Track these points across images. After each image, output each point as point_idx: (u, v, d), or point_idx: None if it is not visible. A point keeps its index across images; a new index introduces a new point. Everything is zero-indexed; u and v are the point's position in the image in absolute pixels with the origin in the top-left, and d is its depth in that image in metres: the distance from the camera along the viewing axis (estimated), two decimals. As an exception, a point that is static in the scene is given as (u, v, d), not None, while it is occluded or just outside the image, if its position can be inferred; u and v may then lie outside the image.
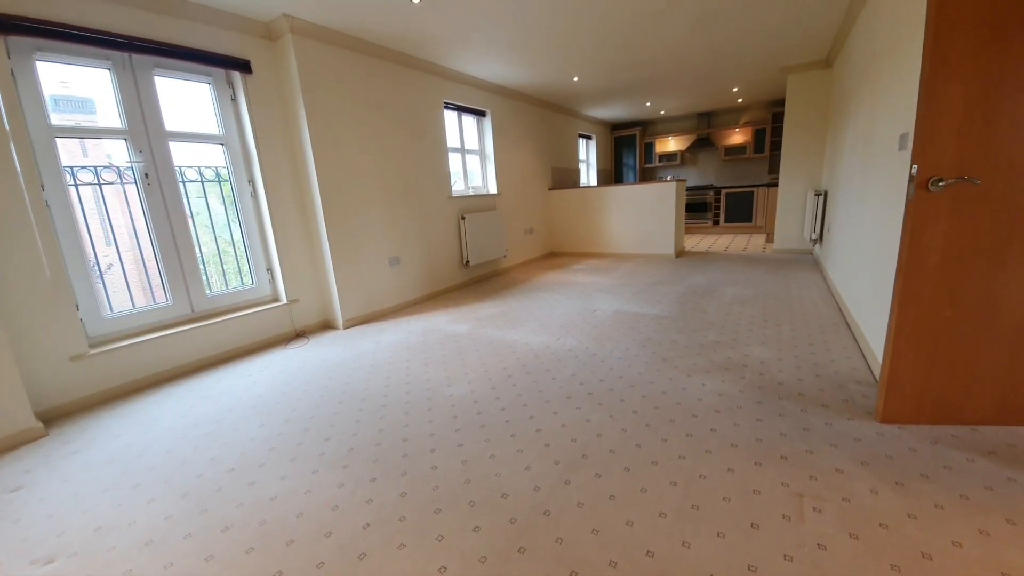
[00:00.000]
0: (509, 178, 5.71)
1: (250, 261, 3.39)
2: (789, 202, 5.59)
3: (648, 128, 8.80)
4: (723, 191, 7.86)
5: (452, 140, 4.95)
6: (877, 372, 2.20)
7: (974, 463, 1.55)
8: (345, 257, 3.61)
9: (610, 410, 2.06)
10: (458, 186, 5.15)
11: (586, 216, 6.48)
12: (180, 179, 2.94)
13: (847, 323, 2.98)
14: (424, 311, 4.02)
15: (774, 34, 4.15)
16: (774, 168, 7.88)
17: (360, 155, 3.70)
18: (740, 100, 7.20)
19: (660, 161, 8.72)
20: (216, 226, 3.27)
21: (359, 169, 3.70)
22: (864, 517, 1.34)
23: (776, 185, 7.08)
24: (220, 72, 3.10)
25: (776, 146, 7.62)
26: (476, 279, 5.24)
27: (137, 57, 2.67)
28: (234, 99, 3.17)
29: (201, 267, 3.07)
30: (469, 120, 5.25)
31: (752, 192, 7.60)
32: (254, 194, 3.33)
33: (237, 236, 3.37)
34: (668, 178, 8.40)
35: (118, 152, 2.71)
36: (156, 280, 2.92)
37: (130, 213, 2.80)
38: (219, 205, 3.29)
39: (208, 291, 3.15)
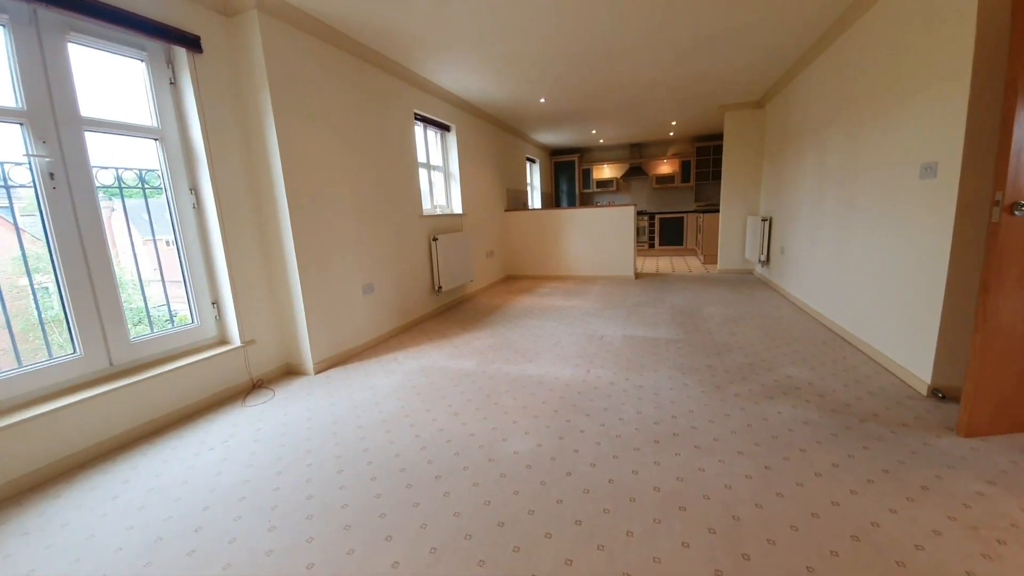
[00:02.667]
0: (472, 198, 5.38)
1: (190, 293, 2.58)
2: (730, 227, 6.08)
3: (585, 155, 9.14)
4: (656, 216, 8.38)
5: (419, 155, 4.50)
6: (916, 384, 2.30)
7: (1079, 473, 1.62)
8: (316, 285, 2.96)
9: (712, 453, 1.83)
10: (424, 205, 4.68)
11: (544, 239, 6.37)
12: (96, 183, 2.13)
13: (842, 337, 3.17)
14: (406, 345, 3.46)
15: (724, 77, 4.49)
16: (700, 196, 8.65)
17: (332, 165, 3.11)
18: (672, 134, 7.80)
19: (597, 187, 9.07)
20: (139, 248, 2.44)
21: (331, 181, 3.10)
22: (1058, 550, 1.28)
23: (702, 212, 7.74)
24: (158, 47, 2.36)
25: (701, 176, 8.39)
26: (447, 306, 4.75)
27: (45, 13, 1.89)
28: (174, 83, 2.44)
29: (123, 304, 2.24)
30: (432, 134, 4.85)
31: (682, 217, 8.23)
32: (197, 206, 2.56)
33: (171, 261, 2.56)
34: (608, 203, 8.75)
35: (10, 143, 1.86)
36: (58, 324, 2.04)
37: (17, 229, 1.92)
38: (142, 219, 2.46)
39: (132, 335, 2.30)
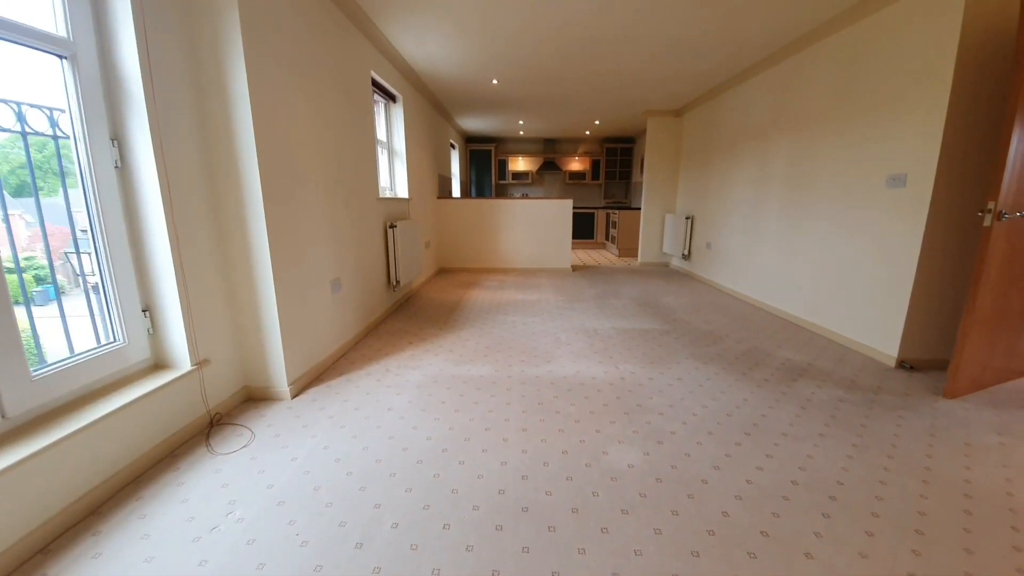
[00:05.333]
0: (414, 181, 4.81)
1: (110, 297, 1.72)
2: (650, 224, 6.60)
3: (500, 146, 8.98)
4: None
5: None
6: (884, 359, 2.74)
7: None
8: (290, 282, 2.26)
9: (801, 439, 1.89)
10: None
11: (482, 230, 6.06)
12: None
13: (794, 324, 3.66)
14: (387, 352, 2.90)
15: (661, 84, 4.82)
16: (608, 194, 9.23)
17: (304, 128, 2.40)
18: (587, 132, 8.14)
19: (513, 178, 9.01)
20: (19, 229, 1.52)
21: (303, 148, 2.40)
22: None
23: (612, 208, 8.30)
24: (59, -97, 1.48)
25: (609, 175, 8.96)
26: (399, 304, 4.17)
27: None
28: (82, -30, 1.57)
29: (16, 322, 1.36)
30: (378, 105, 4.16)
31: (593, 213, 8.69)
32: (121, 165, 1.71)
33: (82, 249, 1.66)
34: (523, 195, 8.77)
35: None
36: None
37: None
38: (23, 184, 1.54)
39: (33, 369, 1.42)
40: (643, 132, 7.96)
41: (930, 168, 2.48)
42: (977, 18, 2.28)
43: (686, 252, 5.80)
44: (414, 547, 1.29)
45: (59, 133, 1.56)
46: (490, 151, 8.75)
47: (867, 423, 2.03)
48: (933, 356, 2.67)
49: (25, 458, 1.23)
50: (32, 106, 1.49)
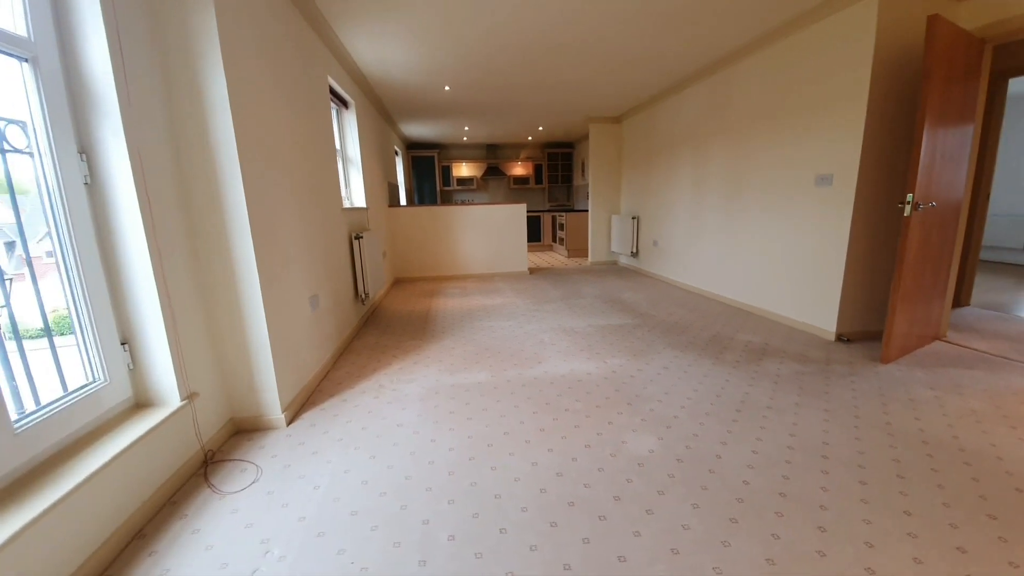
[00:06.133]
0: (369, 189, 4.65)
1: (86, 330, 1.50)
2: (598, 225, 6.93)
3: (443, 152, 8.91)
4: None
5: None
6: (823, 334, 3.15)
7: (963, 362, 2.52)
8: (276, 301, 2.12)
9: (786, 411, 2.13)
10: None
11: (436, 237, 5.99)
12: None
13: (741, 309, 4.05)
14: (373, 368, 2.80)
15: (600, 94, 5.13)
16: (551, 198, 9.51)
17: (279, 135, 2.26)
18: (530, 138, 8.35)
19: (457, 184, 8.97)
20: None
21: (278, 157, 2.26)
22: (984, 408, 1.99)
23: (557, 211, 8.59)
24: None
25: (552, 179, 9.25)
26: (367, 318, 4.00)
27: None
28: (37, -39, 1.37)
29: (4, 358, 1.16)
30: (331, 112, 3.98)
31: (539, 216, 8.92)
32: (90, 181, 1.51)
33: (49, 280, 1.44)
34: (467, 201, 8.79)
35: None
36: None
37: None
38: (-23, 202, 1.32)
39: (15, 416, 1.22)
40: (583, 138, 8.34)
41: (852, 169, 2.90)
42: (889, 35, 2.71)
43: (634, 250, 6.18)
44: (479, 555, 1.29)
45: (7, 147, 1.35)
46: (433, 157, 8.66)
47: (828, 390, 2.34)
48: (864, 328, 3.12)
49: (21, 529, 1.05)
50: (10, 121, 1.28)
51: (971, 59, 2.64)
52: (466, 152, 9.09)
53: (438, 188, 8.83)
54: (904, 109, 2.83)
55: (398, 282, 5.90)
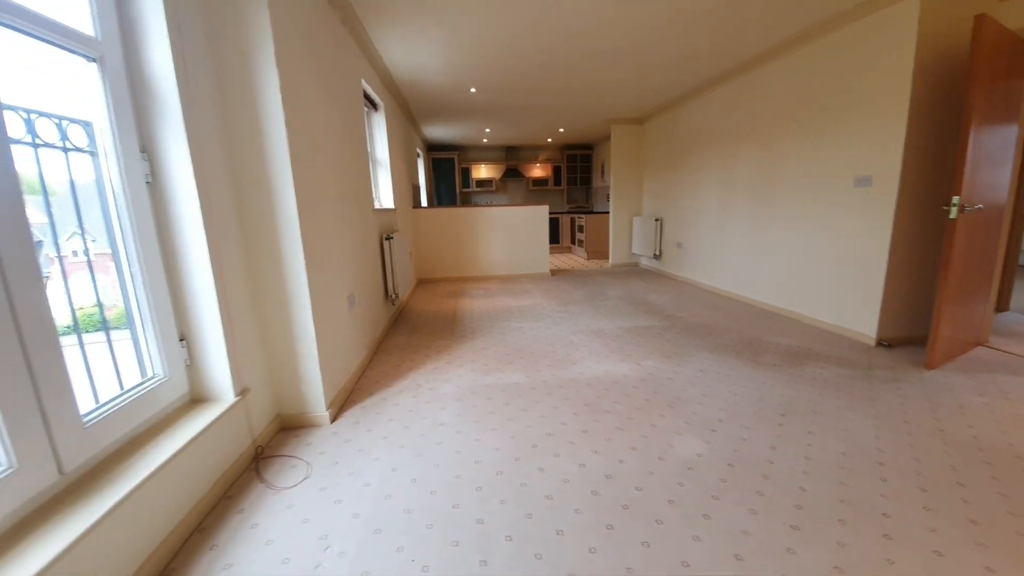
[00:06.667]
0: (397, 191, 4.69)
1: (146, 327, 1.54)
2: (619, 227, 6.89)
3: (463, 154, 8.96)
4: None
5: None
6: (863, 339, 3.08)
7: (1009, 368, 2.44)
8: (321, 298, 2.14)
9: (833, 414, 2.09)
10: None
11: (460, 238, 6.01)
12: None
13: (770, 312, 3.99)
14: (409, 367, 2.81)
15: (623, 96, 5.10)
16: (571, 199, 9.50)
17: (320, 136, 2.29)
18: (549, 140, 8.35)
19: (477, 186, 9.01)
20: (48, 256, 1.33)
21: (322, 157, 2.29)
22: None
23: (576, 213, 8.57)
24: None
25: (571, 181, 9.23)
26: (395, 318, 4.03)
27: None
28: (108, -34, 1.41)
29: (64, 360, 1.19)
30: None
31: (558, 218, 8.90)
32: (152, 179, 1.55)
33: (109, 278, 1.48)
34: (487, 203, 8.81)
35: None
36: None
37: None
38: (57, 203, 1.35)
39: (85, 410, 1.25)
40: (603, 139, 8.31)
41: (894, 170, 2.83)
42: (931, 35, 2.65)
43: (657, 252, 6.12)
44: (538, 556, 1.29)
45: (78, 146, 1.38)
46: (453, 159, 8.71)
47: (874, 395, 2.28)
48: (906, 333, 3.05)
49: (94, 524, 1.07)
50: (73, 121, 1.31)
51: (1015, 59, 2.57)
52: (485, 154, 9.12)
53: (457, 190, 8.88)
54: (946, 109, 2.76)
55: (422, 283, 5.93)
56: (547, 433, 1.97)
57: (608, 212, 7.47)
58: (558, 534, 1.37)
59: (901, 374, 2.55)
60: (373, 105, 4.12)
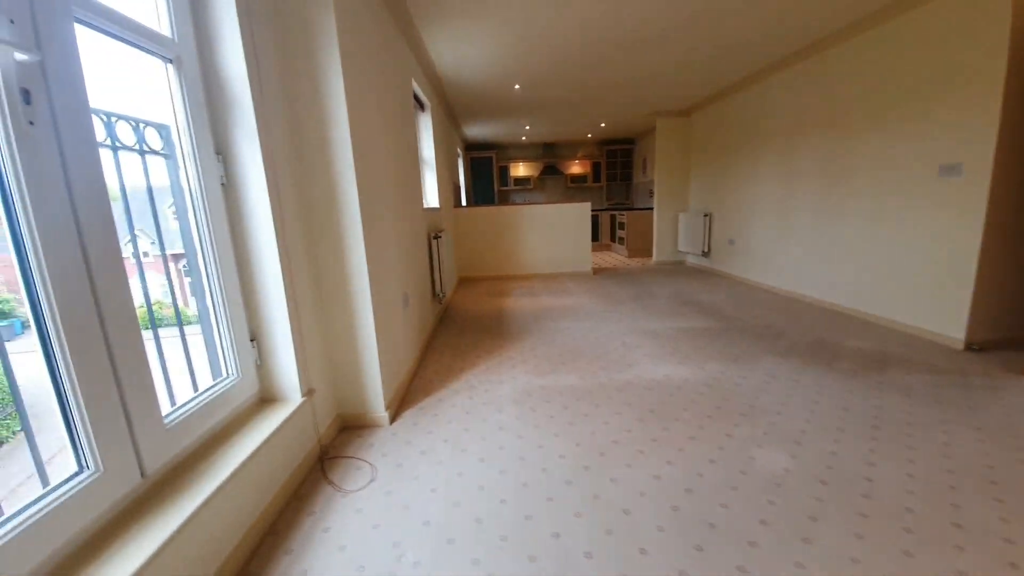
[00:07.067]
0: (441, 191, 4.69)
1: (221, 327, 1.55)
2: (664, 223, 6.66)
3: (500, 152, 8.92)
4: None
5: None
6: (950, 343, 2.79)
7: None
8: (380, 297, 2.13)
9: (924, 426, 1.89)
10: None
11: (500, 237, 5.97)
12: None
13: (840, 313, 3.72)
14: (461, 367, 2.77)
15: (668, 87, 4.88)
16: (610, 196, 9.29)
17: (377, 136, 2.28)
18: (589, 135, 8.18)
19: (514, 184, 8.96)
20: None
21: (378, 156, 2.27)
22: None
23: (616, 209, 8.36)
24: None
25: (611, 177, 9.03)
26: (441, 317, 4.03)
27: None
28: (187, -30, 1.42)
29: (147, 359, 1.20)
30: (405, 112, 4.03)
31: (597, 215, 8.73)
32: (227, 182, 1.56)
33: (179, 277, 1.50)
34: (525, 201, 8.73)
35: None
36: (45, 417, 0.97)
37: None
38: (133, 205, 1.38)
39: (171, 408, 1.27)
40: (645, 133, 8.07)
41: (986, 157, 2.55)
42: (1038, 9, 2.37)
43: (705, 249, 5.87)
44: (624, 577, 1.20)
45: (153, 148, 1.40)
46: (491, 158, 8.68)
47: (973, 405, 2.06)
48: (999, 336, 2.75)
49: (179, 528, 1.06)
50: (149, 124, 1.33)
51: None
52: (523, 152, 9.05)
53: (495, 188, 8.85)
54: (1059, 86, 2.46)
55: (463, 281, 5.93)
56: (613, 441, 1.87)
57: (651, 208, 7.24)
58: (642, 553, 1.28)
59: (1000, 381, 2.30)
60: (420, 105, 4.12)
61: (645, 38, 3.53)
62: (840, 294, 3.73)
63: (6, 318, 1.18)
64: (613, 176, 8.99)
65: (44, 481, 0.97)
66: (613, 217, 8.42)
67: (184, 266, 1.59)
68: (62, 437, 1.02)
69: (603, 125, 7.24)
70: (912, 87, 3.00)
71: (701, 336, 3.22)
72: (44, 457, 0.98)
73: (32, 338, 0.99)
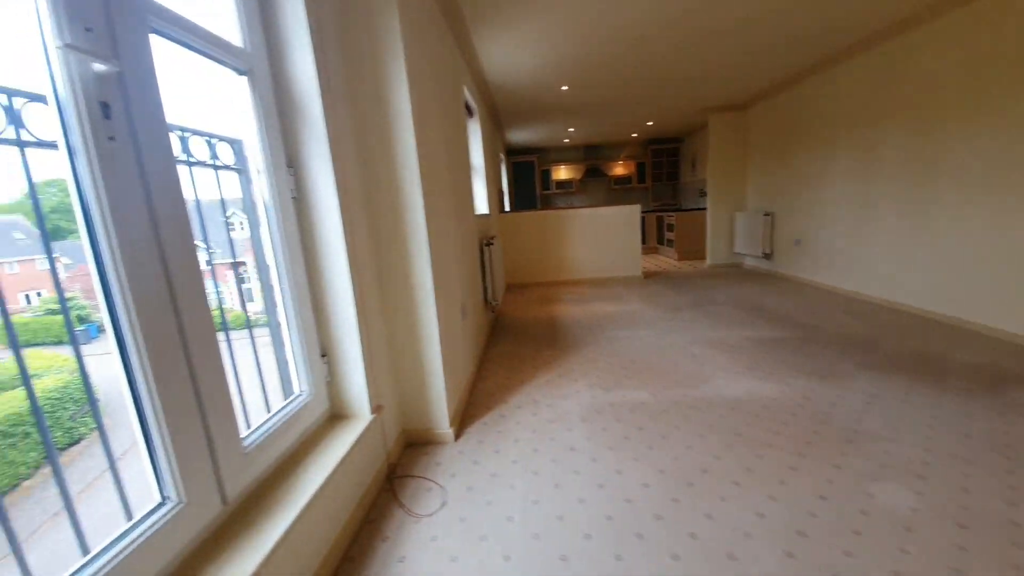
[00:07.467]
0: (489, 197, 4.63)
1: (294, 342, 1.52)
2: (718, 224, 6.32)
3: (541, 156, 8.82)
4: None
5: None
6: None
7: None
8: (444, 309, 2.05)
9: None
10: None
11: (547, 242, 5.84)
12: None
13: (937, 321, 3.34)
14: (520, 380, 2.67)
15: (723, 81, 4.58)
16: (657, 197, 8.98)
17: (437, 143, 2.22)
18: (635, 135, 7.93)
19: (556, 188, 8.82)
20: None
21: (438, 165, 2.21)
22: None
23: (663, 211, 8.04)
24: (246, -94, 1.32)
25: (656, 177, 8.72)
26: (493, 325, 3.95)
27: None
28: (265, -21, 1.40)
29: (224, 371, 1.16)
30: (455, 119, 4.00)
31: (643, 217, 8.42)
32: (297, 194, 1.53)
33: (253, 291, 1.48)
34: (567, 205, 8.57)
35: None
36: (122, 438, 0.94)
37: (45, 237, 0.81)
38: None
39: (246, 431, 1.23)
40: (694, 131, 7.74)
41: None
42: None
43: (767, 251, 5.50)
44: (745, 639, 1.04)
45: (221, 162, 1.37)
46: (532, 162, 8.59)
47: None
48: None
49: (264, 560, 1.00)
50: (212, 137, 1.31)
51: None
52: (565, 155, 8.90)
53: (537, 192, 8.74)
54: None
55: (510, 287, 5.85)
56: (702, 469, 1.70)
57: (702, 208, 6.90)
58: (761, 609, 1.11)
59: None
60: (469, 111, 4.08)
61: (702, 30, 3.32)
62: (936, 299, 3.35)
63: (83, 323, 1.19)
64: (659, 176, 8.66)
65: (129, 516, 0.93)
66: (660, 219, 8.10)
67: (242, 273, 1.58)
68: (132, 434, 0.99)
69: (650, 123, 6.98)
70: (1015, 60, 2.63)
71: (778, 347, 2.96)
72: (116, 453, 0.94)
73: (106, 342, 0.95)
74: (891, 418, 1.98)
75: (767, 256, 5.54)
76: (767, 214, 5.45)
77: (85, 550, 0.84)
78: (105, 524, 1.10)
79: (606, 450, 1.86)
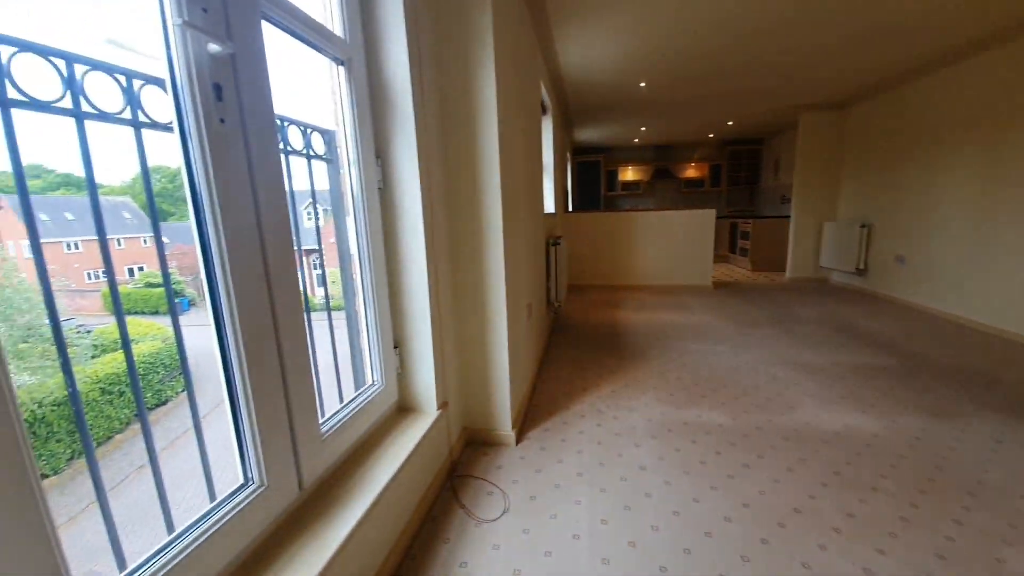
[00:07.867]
0: (556, 196, 4.54)
1: (371, 333, 1.53)
2: (802, 233, 5.80)
3: (608, 155, 8.58)
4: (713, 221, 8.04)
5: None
6: None
7: None
8: (512, 307, 2.00)
9: None
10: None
11: (614, 244, 5.66)
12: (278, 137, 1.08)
13: (1078, 360, 2.83)
14: (582, 387, 2.56)
15: (820, 76, 4.12)
16: (732, 202, 8.45)
17: (516, 139, 2.16)
18: (711, 135, 7.50)
19: (623, 189, 8.55)
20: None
21: (516, 161, 2.16)
22: None
23: (738, 217, 7.51)
24: None
25: (733, 181, 8.20)
26: (556, 327, 3.87)
27: None
28: (364, -30, 1.41)
29: (310, 358, 1.17)
30: (527, 115, 3.95)
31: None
32: (384, 185, 1.53)
33: (334, 279, 1.51)
34: (632, 207, 8.27)
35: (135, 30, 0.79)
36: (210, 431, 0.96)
37: (157, 224, 0.86)
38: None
39: (322, 418, 1.25)
40: (779, 131, 7.18)
41: None
42: None
43: (861, 266, 4.96)
44: None
45: (316, 152, 1.39)
46: (598, 161, 8.37)
47: None
48: None
49: (339, 548, 1.00)
50: (316, 129, 1.33)
51: None
52: (633, 155, 8.58)
53: (601, 193, 8.51)
54: None
55: (570, 288, 5.73)
56: (794, 508, 1.52)
57: (784, 216, 6.37)
58: None
59: None
60: (543, 108, 4.01)
61: (791, 20, 3.01)
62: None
63: (178, 296, 1.24)
64: (735, 180, 8.11)
65: (212, 497, 0.95)
66: (734, 225, 7.57)
67: (314, 260, 1.61)
68: (211, 401, 1.02)
69: (730, 123, 6.53)
70: None
71: (878, 376, 2.63)
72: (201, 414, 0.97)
73: (197, 315, 0.98)
74: (1022, 469, 1.67)
75: (860, 272, 4.99)
76: (863, 225, 4.90)
77: (164, 502, 0.87)
78: (186, 480, 1.16)
79: (681, 474, 1.72)
